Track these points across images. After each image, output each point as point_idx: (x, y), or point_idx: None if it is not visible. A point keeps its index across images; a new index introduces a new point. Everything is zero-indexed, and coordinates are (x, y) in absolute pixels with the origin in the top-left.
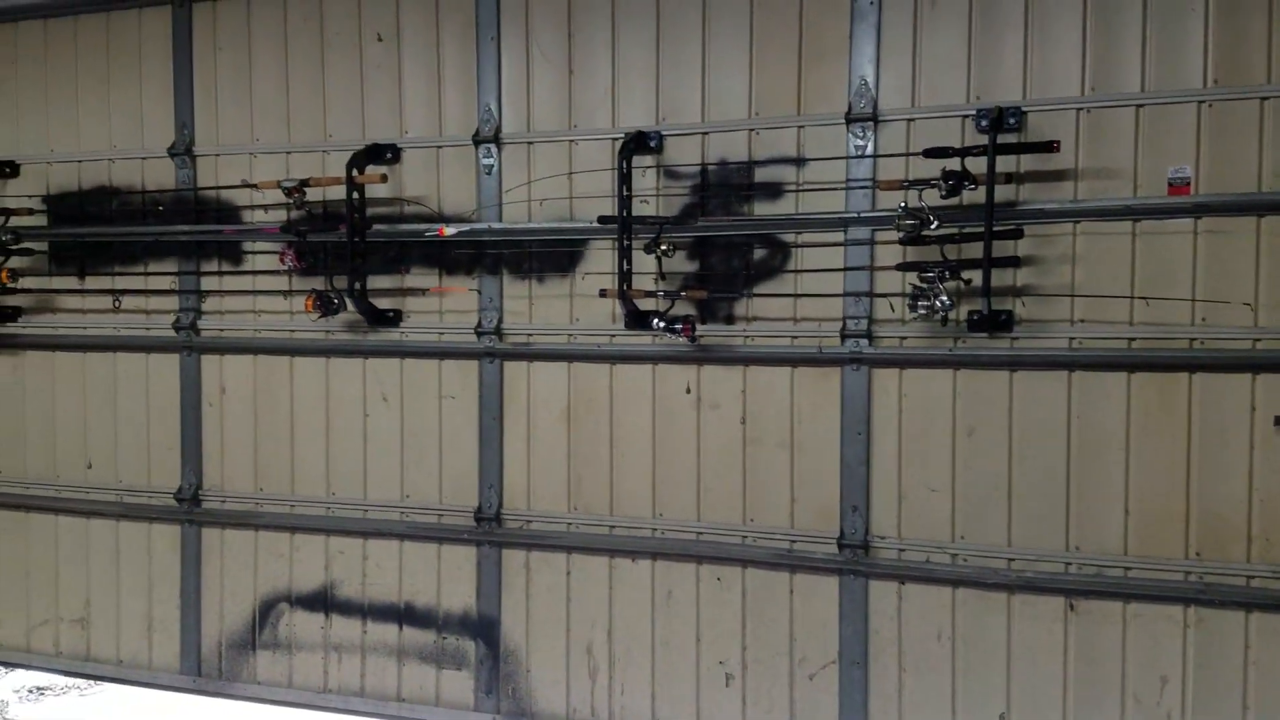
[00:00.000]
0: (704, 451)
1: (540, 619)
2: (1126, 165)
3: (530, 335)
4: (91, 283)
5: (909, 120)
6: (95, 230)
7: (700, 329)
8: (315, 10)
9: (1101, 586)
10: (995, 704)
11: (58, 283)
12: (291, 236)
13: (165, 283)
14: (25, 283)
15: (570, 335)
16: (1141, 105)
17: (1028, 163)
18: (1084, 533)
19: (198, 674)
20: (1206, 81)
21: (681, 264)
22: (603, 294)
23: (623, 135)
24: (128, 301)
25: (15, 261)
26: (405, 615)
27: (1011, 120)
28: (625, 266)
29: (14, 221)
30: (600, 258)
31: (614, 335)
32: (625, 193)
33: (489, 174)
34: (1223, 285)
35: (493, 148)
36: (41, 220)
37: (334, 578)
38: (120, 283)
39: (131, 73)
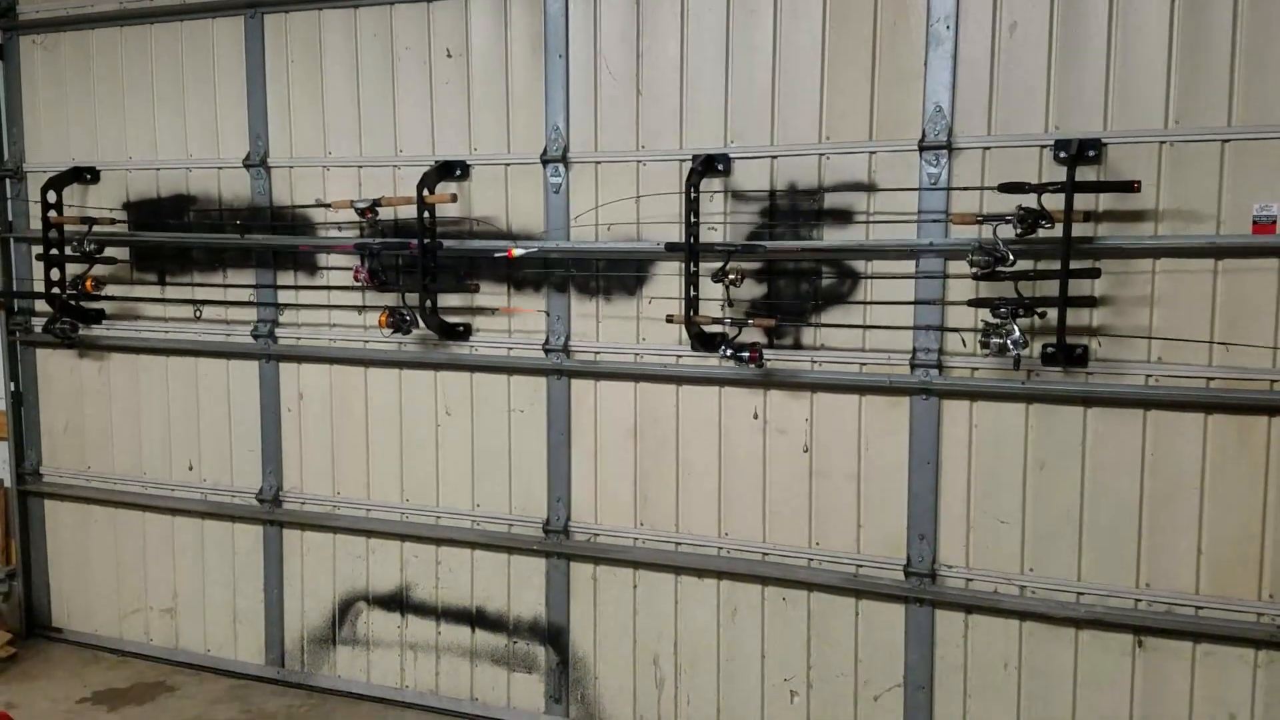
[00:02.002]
0: (770, 474)
1: (608, 629)
2: (1210, 201)
3: (597, 354)
4: (172, 291)
5: (985, 149)
6: (172, 236)
7: (768, 354)
8: (385, 24)
9: (1172, 624)
10: None
11: (140, 291)
12: (364, 254)
13: (244, 292)
14: (108, 289)
15: (637, 355)
16: (1227, 140)
17: (1106, 201)
18: (1155, 570)
19: (281, 665)
20: None
21: (750, 289)
22: (669, 320)
23: (690, 157)
24: (208, 309)
25: (98, 269)
26: (477, 619)
27: (1090, 153)
28: (692, 293)
29: (96, 229)
30: (667, 283)
31: (680, 356)
32: (693, 220)
33: (557, 193)
34: None
35: (560, 167)
36: (123, 228)
37: (408, 580)
38: (199, 291)
39: (206, 82)
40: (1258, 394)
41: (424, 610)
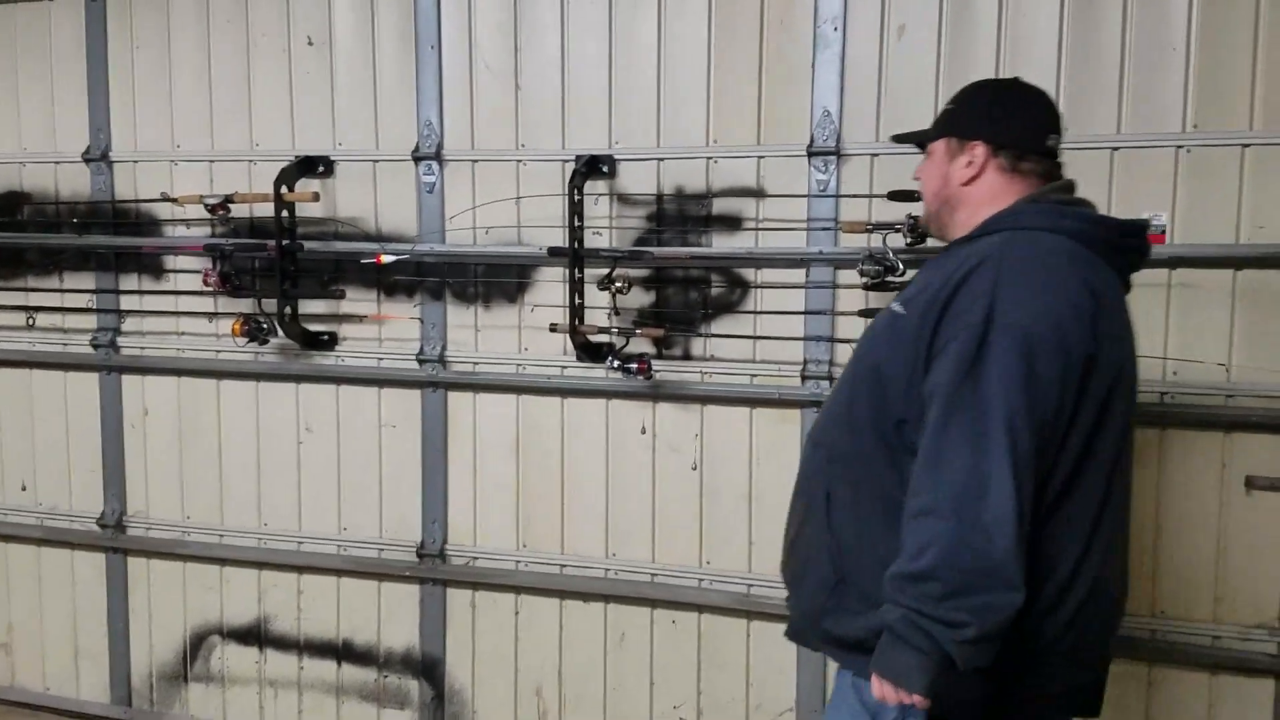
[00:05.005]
0: (659, 491)
1: (487, 659)
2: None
3: (476, 364)
4: (2, 297)
5: (873, 155)
6: (4, 237)
7: (656, 364)
8: (240, 9)
9: None
10: None
11: None
12: (215, 255)
13: (82, 297)
14: None
15: (519, 365)
16: (1117, 148)
17: None
18: None
19: (128, 704)
20: (1185, 125)
21: (637, 297)
22: (553, 329)
23: (573, 158)
24: (43, 316)
25: None
26: (344, 652)
27: None
28: (577, 301)
29: None
30: (550, 290)
31: (565, 367)
32: (577, 224)
33: (430, 193)
34: (1195, 341)
35: (434, 165)
36: None
37: (267, 611)
38: (33, 297)
39: (42, 69)
40: (1148, 406)
41: (285, 644)
